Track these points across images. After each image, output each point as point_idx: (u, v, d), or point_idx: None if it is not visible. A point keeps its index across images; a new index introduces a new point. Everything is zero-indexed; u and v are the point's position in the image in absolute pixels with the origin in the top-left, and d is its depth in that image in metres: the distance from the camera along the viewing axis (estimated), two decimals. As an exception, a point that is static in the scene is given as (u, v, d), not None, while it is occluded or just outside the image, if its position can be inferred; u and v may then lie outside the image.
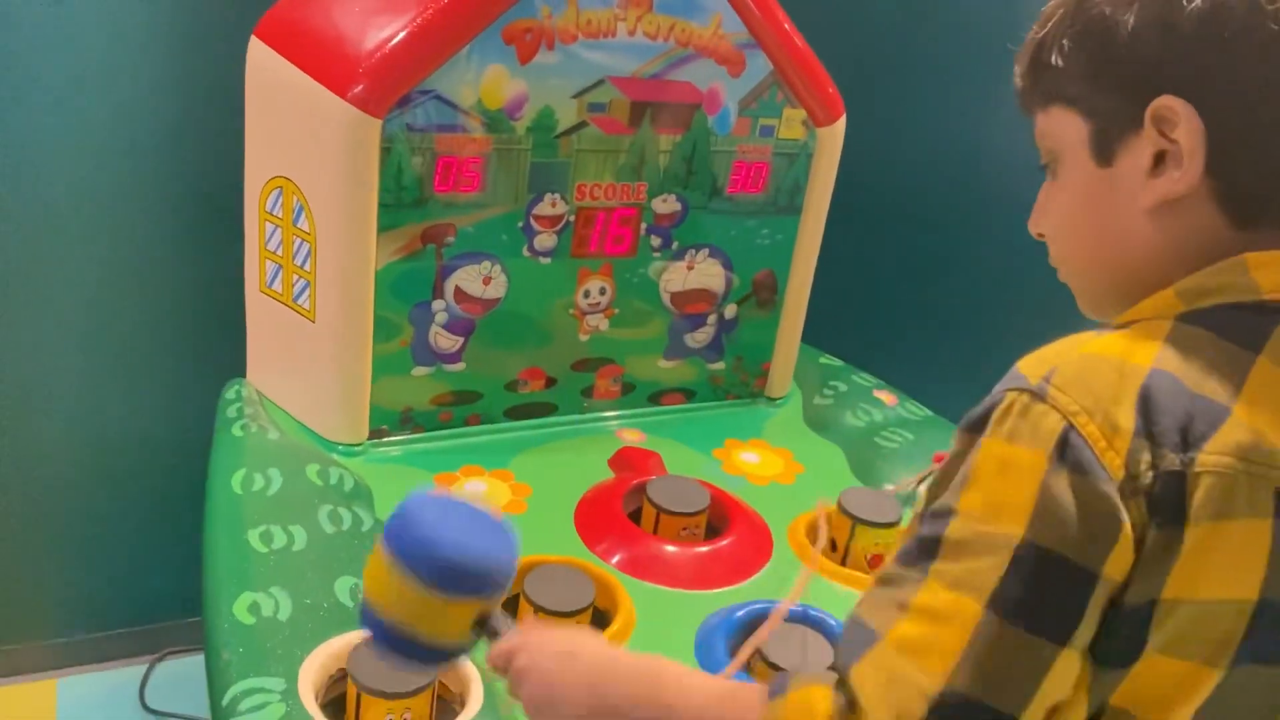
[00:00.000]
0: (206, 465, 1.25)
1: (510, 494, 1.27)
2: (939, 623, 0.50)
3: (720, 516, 1.27)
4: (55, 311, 1.56)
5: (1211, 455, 0.49)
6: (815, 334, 1.63)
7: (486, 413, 1.39)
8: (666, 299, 1.45)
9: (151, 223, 1.56)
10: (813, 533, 1.24)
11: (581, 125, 1.29)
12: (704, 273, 1.46)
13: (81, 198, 1.51)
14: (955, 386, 2.34)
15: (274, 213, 1.27)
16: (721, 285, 1.48)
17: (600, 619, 1.10)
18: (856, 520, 1.22)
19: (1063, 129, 0.60)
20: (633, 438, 1.44)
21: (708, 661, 1.04)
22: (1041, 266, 0.69)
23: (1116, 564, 0.49)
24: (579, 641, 0.68)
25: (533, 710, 0.66)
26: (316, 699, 0.90)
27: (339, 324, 1.25)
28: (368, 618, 0.67)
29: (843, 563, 1.23)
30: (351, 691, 0.89)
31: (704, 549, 1.20)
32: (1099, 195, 0.59)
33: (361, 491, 1.21)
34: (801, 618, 1.10)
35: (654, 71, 1.31)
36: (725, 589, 1.16)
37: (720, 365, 1.54)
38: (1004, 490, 0.50)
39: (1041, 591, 0.49)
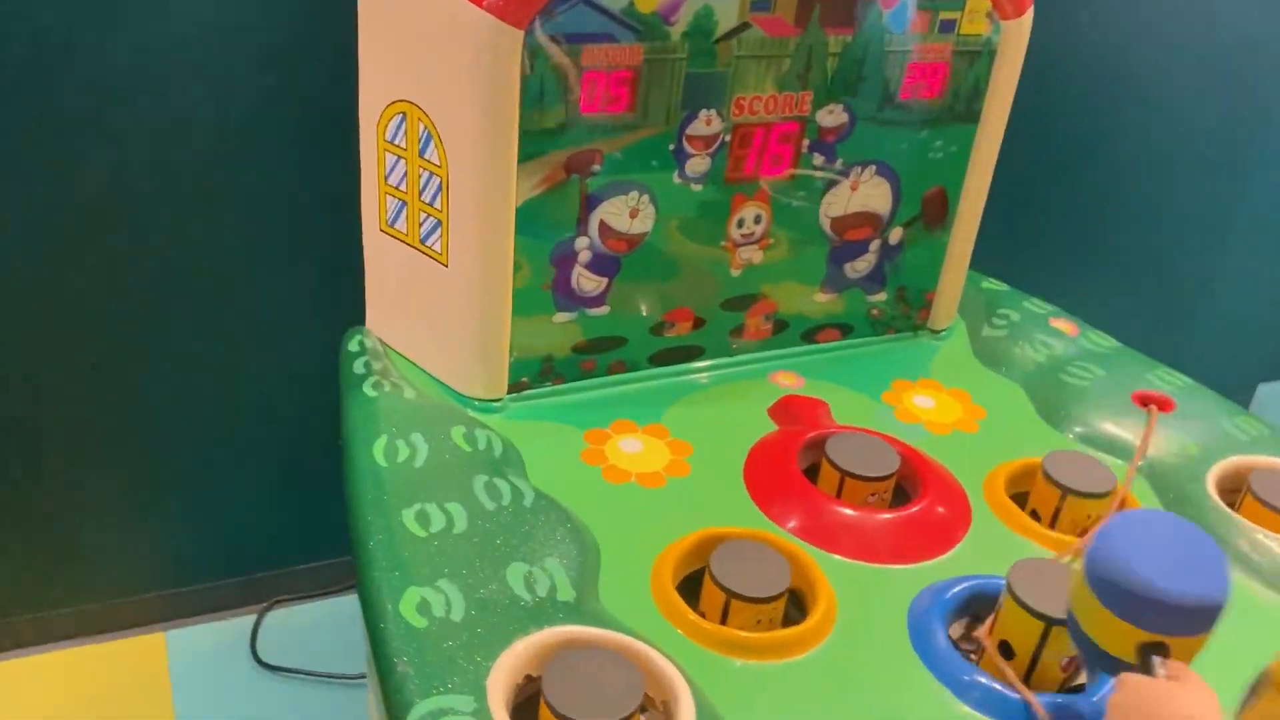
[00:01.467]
0: (325, 417, 1.13)
1: (669, 453, 1.14)
2: None
3: (908, 476, 1.12)
4: (156, 250, 1.43)
5: None
6: (975, 256, 1.46)
7: (631, 359, 1.25)
8: (826, 225, 1.29)
9: (250, 152, 1.41)
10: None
11: (744, 27, 1.11)
12: (869, 193, 1.29)
13: (181, 123, 1.36)
14: (1133, 312, 2.19)
15: (396, 142, 1.12)
16: (888, 207, 1.31)
17: (795, 601, 0.97)
18: (1066, 490, 1.07)
19: None
20: (789, 382, 1.29)
21: (927, 650, 0.91)
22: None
23: None
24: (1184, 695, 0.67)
25: None
26: (507, 710, 0.78)
27: (477, 269, 1.11)
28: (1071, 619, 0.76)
29: (1051, 527, 1.09)
30: (546, 713, 0.78)
31: (896, 515, 1.07)
32: None
33: (512, 456, 1.08)
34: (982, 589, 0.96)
35: (824, -39, 1.12)
36: (927, 562, 1.02)
37: (881, 296, 1.38)
38: None
39: None
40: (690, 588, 0.97)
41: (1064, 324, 1.41)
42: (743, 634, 0.91)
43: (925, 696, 0.88)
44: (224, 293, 1.49)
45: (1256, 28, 2.00)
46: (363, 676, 1.57)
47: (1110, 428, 1.23)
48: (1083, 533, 1.07)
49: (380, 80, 1.12)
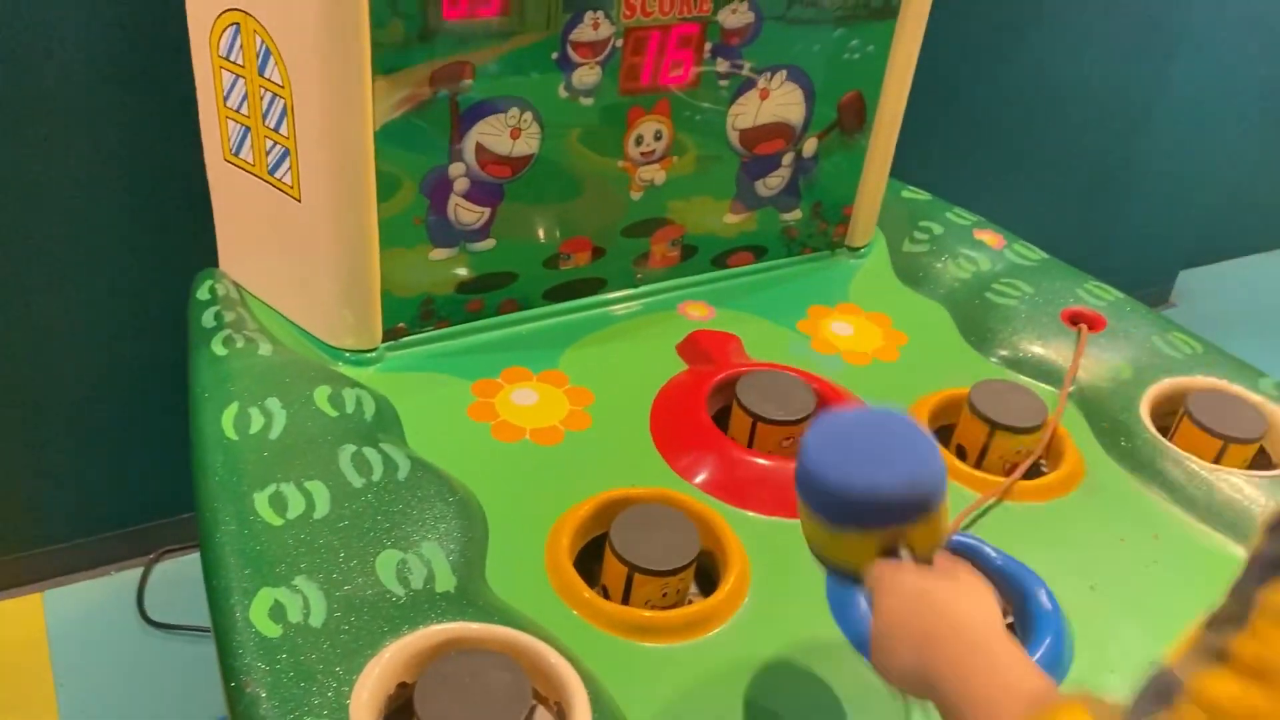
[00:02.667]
0: (184, 380, 1.00)
1: (568, 404, 1.03)
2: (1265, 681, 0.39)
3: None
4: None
5: None
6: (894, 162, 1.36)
7: (523, 296, 1.13)
8: (734, 139, 1.16)
9: (66, 70, 1.22)
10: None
11: (630, -85, 0.96)
12: (780, 102, 1.16)
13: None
14: (1056, 205, 2.12)
15: (231, 59, 0.96)
16: (801, 116, 1.19)
17: (706, 568, 0.88)
18: (995, 425, 0.99)
19: None
20: (700, 313, 1.19)
21: (846, 618, 0.83)
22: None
23: None
24: (945, 594, 0.62)
25: (873, 644, 0.64)
26: (376, 727, 0.69)
27: (333, 203, 0.97)
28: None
29: (977, 467, 1.01)
30: (418, 725, 0.68)
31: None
32: None
33: (387, 418, 0.96)
34: (952, 548, 0.89)
35: None
36: (848, 513, 0.94)
37: (796, 214, 1.26)
38: None
39: None
40: (596, 553, 0.88)
41: (989, 235, 1.32)
42: (646, 614, 0.81)
43: (844, 671, 0.80)
44: (71, 241, 1.32)
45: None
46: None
47: (1038, 350, 1.16)
48: (1009, 470, 1.00)
49: (207, -16, 0.96)
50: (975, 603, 0.62)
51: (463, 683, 0.70)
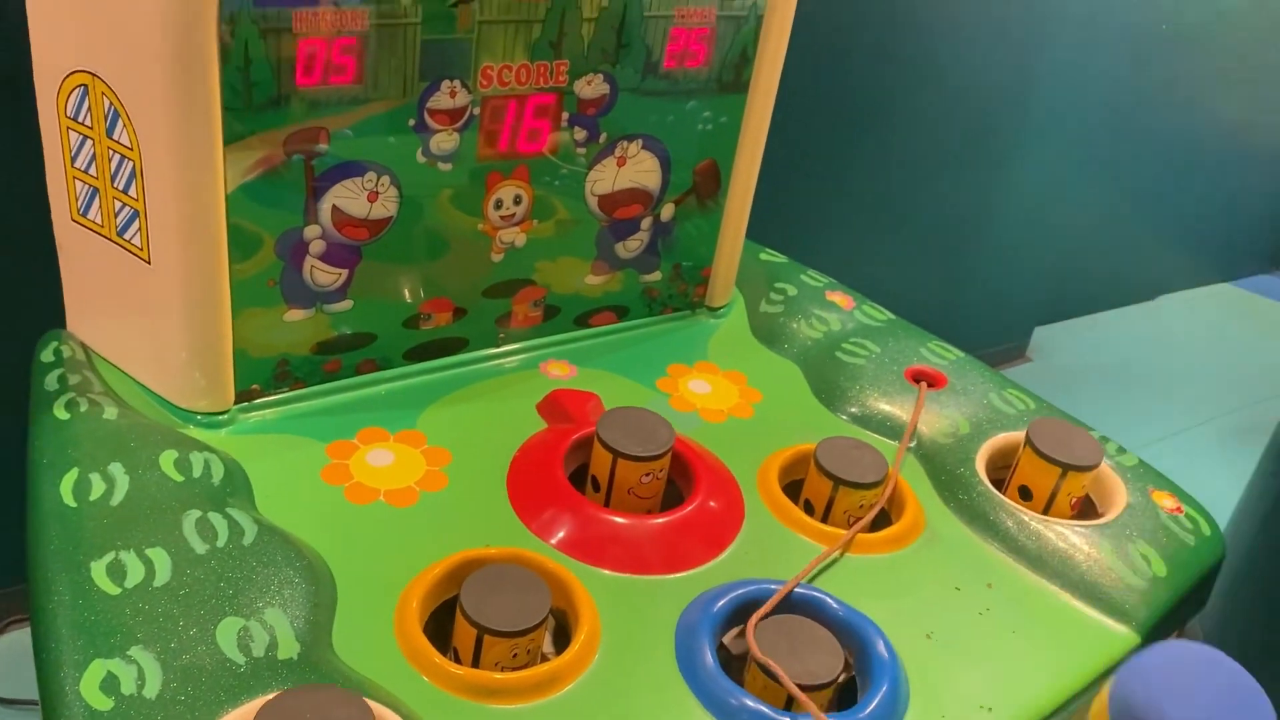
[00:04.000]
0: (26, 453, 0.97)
1: (425, 464, 1.03)
2: None
3: (682, 475, 1.06)
4: None
5: None
6: (752, 227, 1.41)
7: (382, 357, 1.13)
8: (594, 204, 1.20)
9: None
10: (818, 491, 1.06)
11: (484, -10, 1.00)
12: (637, 168, 1.20)
13: None
14: (909, 281, 2.22)
15: (80, 120, 0.95)
16: (658, 182, 1.23)
17: (559, 627, 0.89)
18: (838, 481, 1.04)
19: None
20: (561, 372, 1.21)
21: (693, 674, 0.85)
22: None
23: None
24: None
25: None
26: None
27: (183, 266, 0.96)
28: None
29: (824, 521, 1.05)
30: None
31: (668, 520, 1.00)
32: None
33: (236, 481, 0.95)
34: (792, 601, 0.92)
35: (573, -84, 1.01)
36: (698, 569, 0.97)
37: (656, 275, 1.30)
38: None
39: None
40: (450, 615, 0.88)
41: (840, 297, 1.39)
42: (495, 676, 0.82)
43: (692, 726, 0.82)
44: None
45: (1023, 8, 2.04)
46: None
47: (884, 406, 1.21)
48: (853, 523, 1.04)
49: (55, 47, 0.95)
50: None
51: (304, 713, 0.69)
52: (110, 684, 0.72)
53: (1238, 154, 3.00)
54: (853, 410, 1.22)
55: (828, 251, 1.54)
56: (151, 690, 0.72)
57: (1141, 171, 2.82)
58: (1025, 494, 1.10)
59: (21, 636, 1.59)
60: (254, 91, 0.91)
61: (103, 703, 0.71)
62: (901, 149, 2.03)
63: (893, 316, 1.37)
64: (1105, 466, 1.11)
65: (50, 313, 1.10)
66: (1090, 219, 2.73)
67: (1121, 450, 1.16)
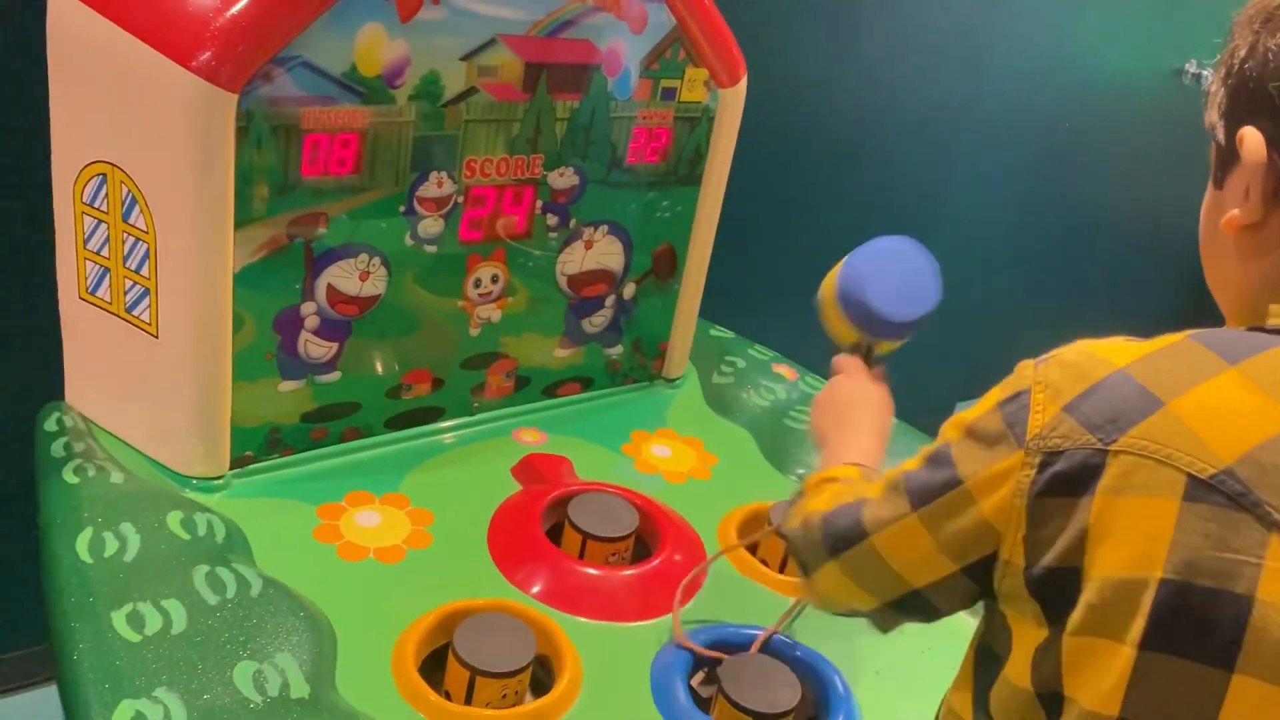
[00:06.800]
0: (22, 482, 1.02)
1: (409, 524, 1.11)
2: (888, 473, 0.69)
3: (649, 531, 1.15)
4: None
5: (1131, 439, 0.54)
6: (703, 304, 1.53)
7: (366, 425, 1.21)
8: (563, 283, 1.30)
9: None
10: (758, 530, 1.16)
11: (471, 92, 1.11)
12: (603, 251, 1.31)
13: None
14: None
15: (96, 206, 1.03)
16: (621, 263, 1.34)
17: (542, 669, 0.97)
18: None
19: (1212, 151, 0.64)
20: (532, 439, 1.30)
21: (668, 708, 0.94)
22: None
23: (982, 491, 0.60)
24: (848, 403, 0.94)
25: (816, 403, 0.97)
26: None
27: (190, 340, 1.04)
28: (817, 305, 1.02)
29: (781, 573, 1.15)
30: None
31: (637, 572, 1.09)
32: (1212, 215, 0.64)
33: (236, 540, 1.01)
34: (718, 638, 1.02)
35: (549, 28, 1.14)
36: (668, 616, 1.05)
37: (618, 349, 1.41)
38: (970, 410, 0.64)
39: (928, 474, 0.64)
40: (438, 663, 0.95)
41: (784, 369, 1.50)
42: (487, 712, 0.89)
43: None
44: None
45: (946, 93, 2.23)
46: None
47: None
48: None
49: (76, 138, 1.03)
50: (877, 406, 0.94)
51: None
52: (138, 722, 0.78)
53: (1139, 237, 3.23)
54: (801, 471, 1.32)
55: (771, 330, 1.66)
56: (177, 728, 0.78)
57: (1049, 254, 3.02)
58: None
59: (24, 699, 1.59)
60: (263, 181, 1.00)
61: (133, 740, 0.77)
62: (836, 233, 2.18)
63: (832, 387, 1.48)
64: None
65: (45, 386, 1.16)
66: (1003, 300, 2.92)
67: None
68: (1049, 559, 0.56)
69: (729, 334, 1.59)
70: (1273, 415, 0.53)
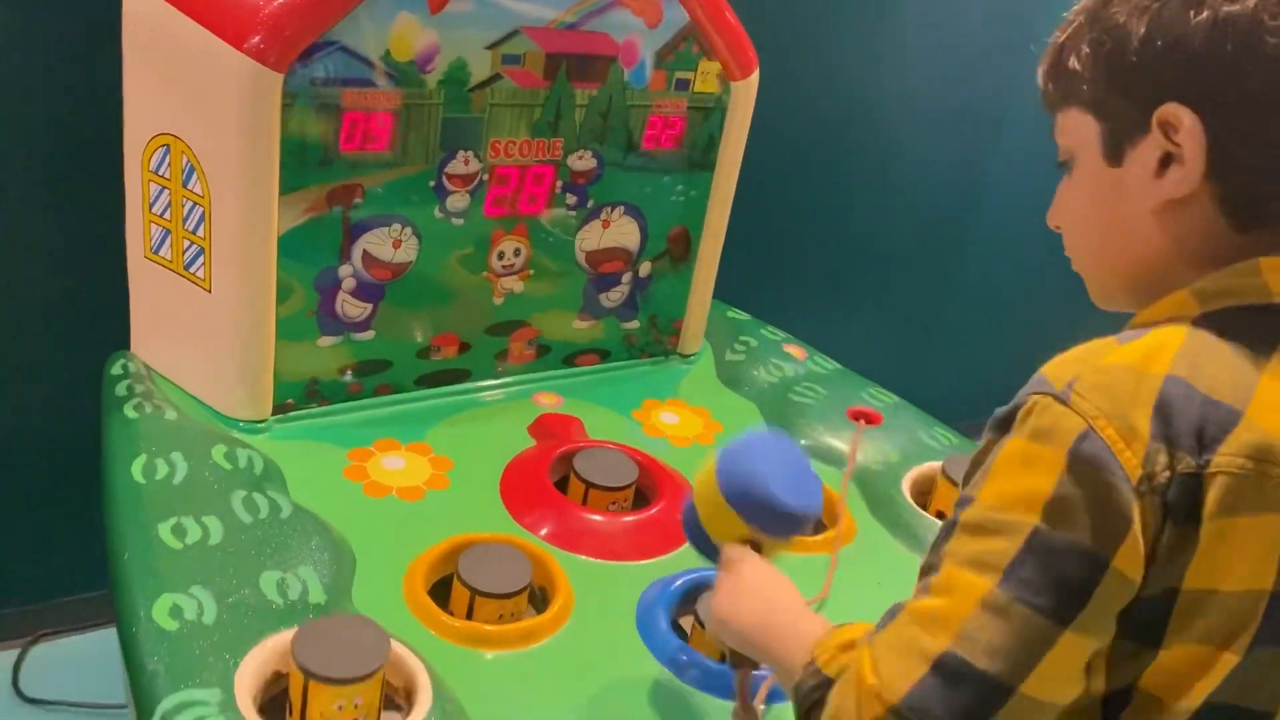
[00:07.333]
0: (95, 445, 1.16)
1: (430, 469, 1.22)
2: (949, 594, 0.56)
3: (647, 483, 1.25)
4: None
5: (1225, 457, 0.53)
6: (721, 288, 1.62)
7: (397, 382, 1.32)
8: (582, 258, 1.41)
9: (11, 182, 1.41)
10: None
11: (495, 78, 1.22)
12: (620, 230, 1.42)
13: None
14: (858, 339, 2.42)
15: (160, 173, 1.16)
16: (636, 243, 1.44)
17: (537, 597, 1.07)
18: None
19: (1078, 129, 0.64)
20: (550, 402, 1.40)
21: (652, 637, 1.03)
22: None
23: (1127, 557, 0.53)
24: (768, 585, 0.79)
25: (718, 606, 0.80)
26: (255, 703, 0.84)
27: (239, 294, 1.16)
28: (690, 511, 0.87)
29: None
30: (296, 682, 0.83)
31: (635, 519, 1.19)
32: (1108, 193, 0.63)
33: (273, 473, 1.13)
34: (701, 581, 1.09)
35: (570, 22, 1.24)
36: (658, 558, 1.14)
37: (634, 324, 1.51)
38: (1024, 482, 0.55)
39: (1049, 574, 0.53)
40: (445, 593, 1.05)
41: (795, 349, 1.59)
42: (485, 627, 1.00)
43: (648, 675, 0.99)
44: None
45: (974, 90, 2.28)
46: (124, 706, 1.56)
47: (828, 439, 1.40)
48: None
49: (145, 114, 1.16)
50: (788, 591, 0.79)
51: (332, 639, 0.86)
52: (175, 611, 0.90)
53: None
54: (803, 442, 1.40)
55: (788, 317, 1.74)
56: (209, 618, 0.90)
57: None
58: (941, 517, 1.28)
59: (50, 648, 1.73)
60: (306, 153, 1.12)
61: (170, 624, 0.88)
62: (857, 227, 2.25)
63: (840, 366, 1.57)
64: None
65: (113, 338, 1.30)
66: (1046, 300, 2.94)
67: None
68: (1156, 587, 0.55)
69: (745, 316, 1.68)
70: None
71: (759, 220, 1.70)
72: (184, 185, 1.15)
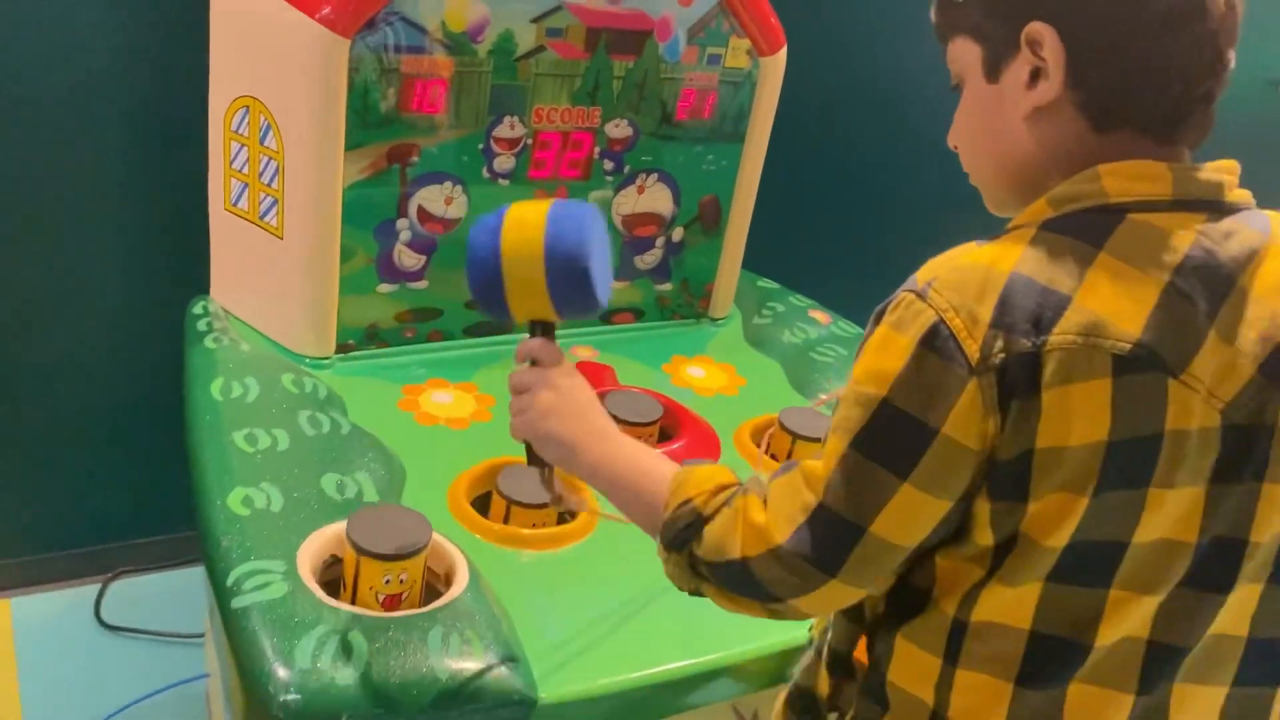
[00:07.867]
0: (177, 379, 1.29)
1: (475, 404, 1.34)
2: (825, 456, 0.67)
3: (672, 424, 1.35)
4: (9, 229, 1.56)
5: (1058, 335, 0.62)
6: (753, 258, 1.72)
7: (447, 330, 1.45)
8: (618, 221, 1.52)
9: (106, 144, 1.56)
10: (759, 436, 1.34)
11: (539, 49, 1.34)
12: (653, 197, 1.53)
13: (44, 114, 1.51)
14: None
15: (240, 132, 1.30)
16: (669, 209, 1.55)
17: (566, 515, 1.18)
18: (796, 436, 1.32)
19: (964, 54, 0.72)
20: (586, 353, 1.52)
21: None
22: (961, 194, 0.81)
23: (957, 425, 0.63)
24: (591, 406, 0.86)
25: (532, 418, 0.86)
26: (314, 578, 0.96)
27: (307, 241, 1.30)
28: (488, 253, 0.82)
29: (785, 466, 1.33)
30: (349, 559, 0.96)
31: (661, 449, 1.29)
32: (990, 108, 0.71)
33: (335, 400, 1.26)
34: None
35: None
36: (680, 486, 1.25)
37: (667, 286, 1.62)
38: (880, 362, 0.65)
39: (891, 436, 0.64)
40: (483, 509, 1.17)
41: (820, 314, 1.68)
42: (521, 531, 1.11)
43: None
44: (67, 268, 1.62)
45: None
46: (200, 636, 1.70)
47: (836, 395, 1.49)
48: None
49: (227, 79, 1.31)
50: (606, 416, 0.86)
51: (381, 521, 0.98)
52: (247, 501, 1.02)
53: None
54: (822, 397, 1.50)
55: (816, 287, 1.82)
56: (276, 507, 1.02)
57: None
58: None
59: (129, 584, 1.88)
60: (369, 113, 1.25)
61: (243, 511, 1.01)
62: (892, 203, 2.32)
63: (861, 330, 1.65)
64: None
65: (192, 286, 1.44)
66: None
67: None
68: (1012, 452, 0.63)
69: (774, 285, 1.78)
70: (1148, 284, 0.63)
71: (789, 192, 1.80)
72: (260, 143, 1.28)
